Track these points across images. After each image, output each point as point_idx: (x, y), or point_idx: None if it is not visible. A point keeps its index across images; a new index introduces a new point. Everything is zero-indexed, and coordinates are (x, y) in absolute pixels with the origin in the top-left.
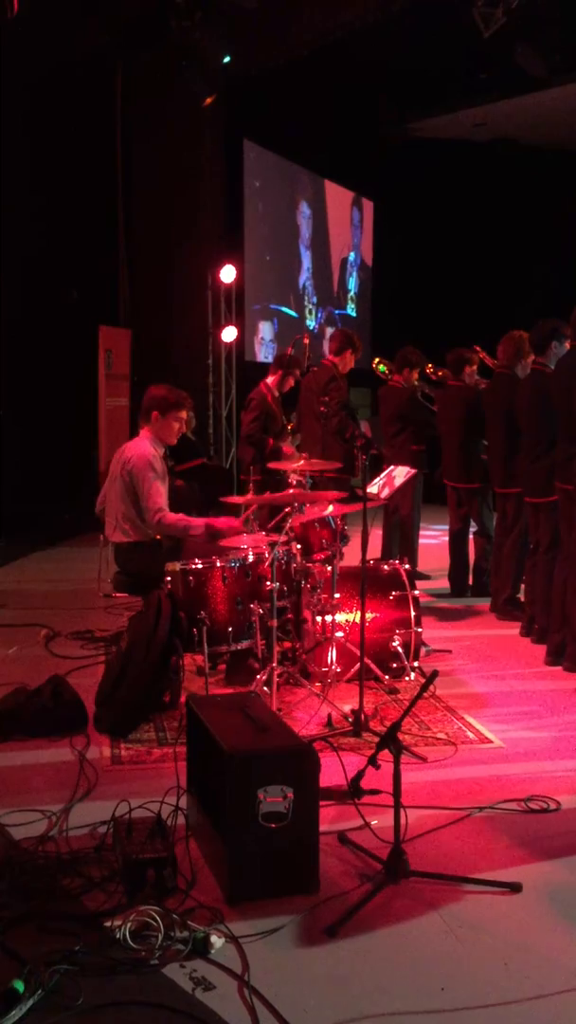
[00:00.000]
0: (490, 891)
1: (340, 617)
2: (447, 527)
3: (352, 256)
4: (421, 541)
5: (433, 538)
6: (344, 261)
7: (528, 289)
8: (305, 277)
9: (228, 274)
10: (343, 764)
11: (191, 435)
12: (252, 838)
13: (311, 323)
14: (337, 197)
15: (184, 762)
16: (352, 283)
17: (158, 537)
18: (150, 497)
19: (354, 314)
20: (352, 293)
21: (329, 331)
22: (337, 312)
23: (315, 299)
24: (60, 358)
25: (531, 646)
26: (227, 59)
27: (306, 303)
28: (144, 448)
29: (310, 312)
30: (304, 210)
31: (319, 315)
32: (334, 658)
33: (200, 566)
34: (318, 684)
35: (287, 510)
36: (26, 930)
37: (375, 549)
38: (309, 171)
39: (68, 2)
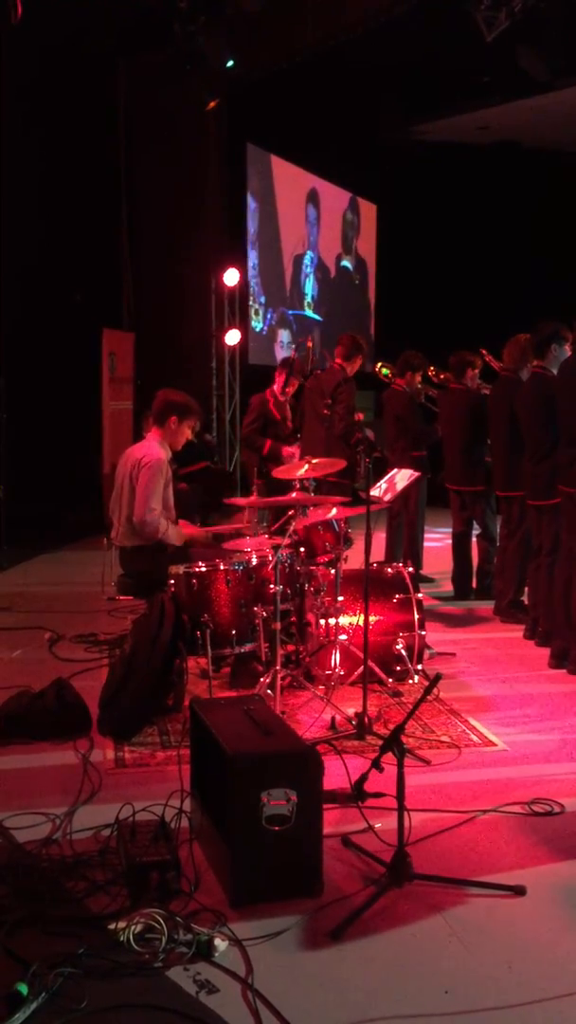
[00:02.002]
0: (494, 894)
1: (344, 620)
2: (450, 530)
3: (309, 256)
4: (424, 544)
5: (436, 541)
6: (298, 260)
7: (532, 292)
8: (250, 275)
9: (231, 277)
10: (347, 767)
11: (194, 438)
12: (256, 841)
13: (257, 325)
14: (289, 190)
15: (188, 765)
16: (309, 285)
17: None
18: (146, 496)
19: (315, 316)
20: (310, 297)
21: (282, 333)
22: (291, 313)
23: (263, 299)
24: (63, 361)
25: (535, 649)
26: (230, 63)
27: (251, 303)
28: (158, 451)
29: (256, 313)
30: (250, 203)
31: (269, 316)
32: (337, 661)
33: (204, 569)
34: (321, 687)
35: (290, 513)
36: (30, 933)
37: (379, 552)
38: (310, 173)
39: (72, 6)
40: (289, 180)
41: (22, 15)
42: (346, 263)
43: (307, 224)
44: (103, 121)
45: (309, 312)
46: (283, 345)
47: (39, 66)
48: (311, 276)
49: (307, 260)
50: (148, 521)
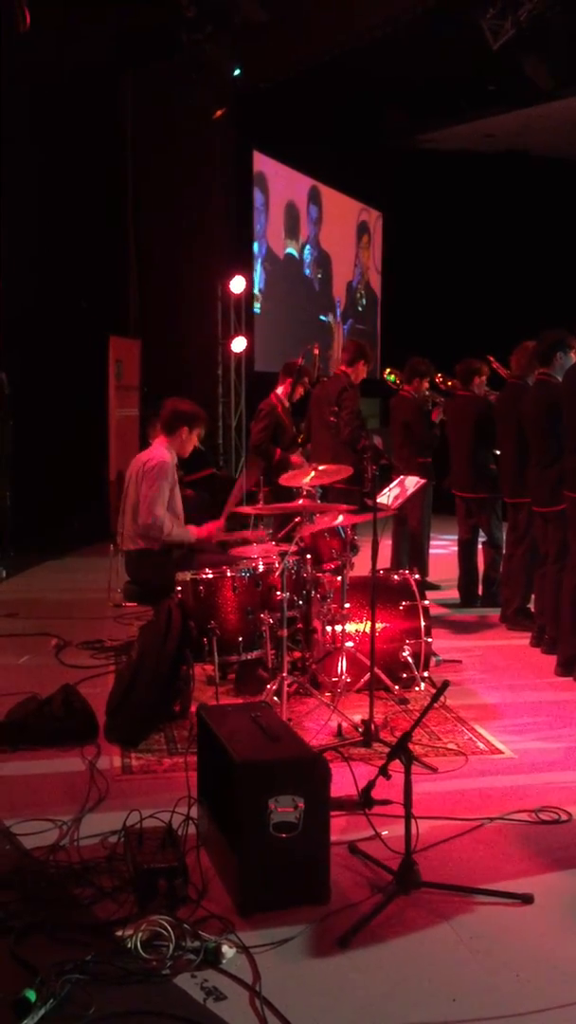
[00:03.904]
0: (501, 902)
1: (350, 627)
2: (456, 537)
3: (255, 247)
4: (430, 551)
5: (442, 548)
6: None
7: (539, 299)
8: None
9: (237, 285)
10: (354, 774)
11: (200, 445)
12: (263, 848)
13: None
14: (294, 197)
15: (195, 772)
16: (257, 277)
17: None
18: (150, 499)
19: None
20: (256, 290)
21: None
22: None
23: None
24: (70, 368)
25: (542, 656)
26: (237, 72)
27: None
28: (163, 454)
29: None
30: (256, 210)
31: None
32: (344, 668)
33: (210, 576)
34: (328, 694)
35: (297, 520)
36: (37, 939)
37: (385, 559)
38: (317, 181)
39: (79, 15)
40: (295, 188)
41: (30, 24)
42: (291, 250)
43: (254, 211)
44: (110, 130)
45: (255, 307)
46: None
47: (46, 75)
48: (258, 266)
49: (254, 250)
50: (152, 524)
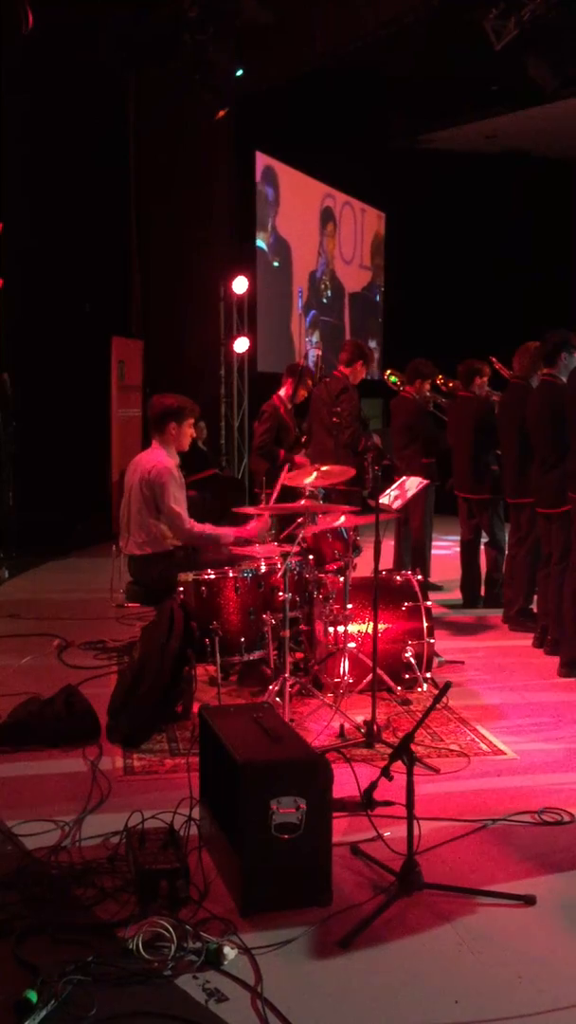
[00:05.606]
0: (504, 903)
1: (352, 628)
2: (458, 538)
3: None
4: (433, 552)
5: (445, 549)
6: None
7: (540, 300)
8: None
9: (240, 285)
10: (356, 775)
11: (202, 446)
12: (265, 849)
13: None
14: (297, 198)
15: (196, 772)
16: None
17: (170, 548)
18: (175, 508)
19: None
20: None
21: None
22: None
23: None
24: (73, 369)
25: (544, 657)
26: (239, 73)
27: None
28: (164, 459)
29: None
30: (258, 212)
31: None
32: (346, 669)
33: (213, 576)
34: (330, 695)
35: (299, 520)
36: (39, 940)
37: (387, 560)
38: (320, 182)
39: (82, 16)
40: (298, 189)
41: (33, 24)
42: (260, 243)
43: (256, 211)
44: (112, 130)
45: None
46: None
47: (49, 76)
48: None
49: (256, 250)
50: (193, 531)
